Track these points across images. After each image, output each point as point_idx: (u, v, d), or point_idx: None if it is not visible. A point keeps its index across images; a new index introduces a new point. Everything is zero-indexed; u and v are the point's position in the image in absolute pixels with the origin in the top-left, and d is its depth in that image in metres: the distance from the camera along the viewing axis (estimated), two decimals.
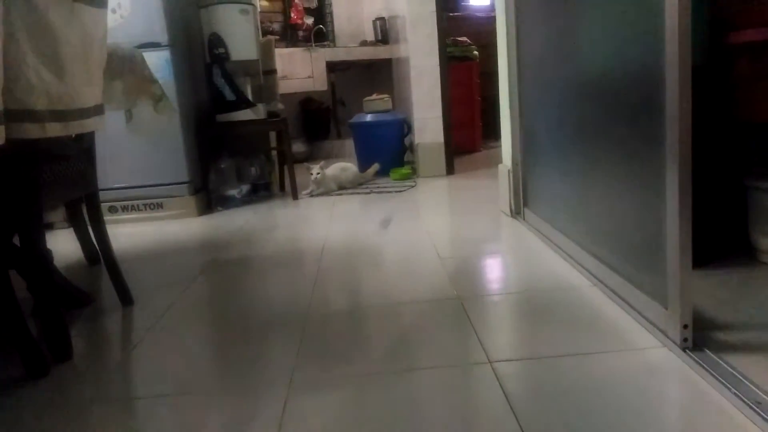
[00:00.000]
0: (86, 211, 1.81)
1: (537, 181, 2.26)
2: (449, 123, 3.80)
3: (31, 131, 1.33)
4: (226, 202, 3.29)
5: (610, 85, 1.50)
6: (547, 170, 2.13)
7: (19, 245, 1.41)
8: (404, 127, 4.02)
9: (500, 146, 2.59)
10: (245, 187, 3.38)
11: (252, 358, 1.36)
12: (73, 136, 1.65)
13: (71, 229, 2.23)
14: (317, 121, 5.44)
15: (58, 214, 2.92)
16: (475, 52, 4.72)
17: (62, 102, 1.43)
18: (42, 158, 1.47)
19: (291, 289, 1.83)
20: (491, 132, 4.64)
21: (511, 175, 2.44)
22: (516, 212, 2.46)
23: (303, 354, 1.35)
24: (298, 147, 4.92)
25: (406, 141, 4.07)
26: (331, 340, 1.43)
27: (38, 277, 1.41)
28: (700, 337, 1.19)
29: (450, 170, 3.83)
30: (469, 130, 4.74)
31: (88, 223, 1.86)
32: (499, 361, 1.23)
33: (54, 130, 1.40)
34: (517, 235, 2.24)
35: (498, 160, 2.62)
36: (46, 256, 1.46)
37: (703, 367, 1.09)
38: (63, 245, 2.49)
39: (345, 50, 5.23)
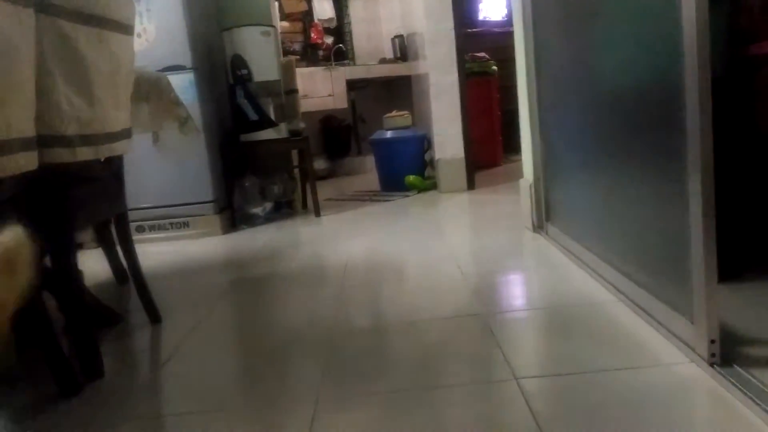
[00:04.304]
0: (115, 231, 1.86)
1: (559, 195, 2.26)
2: (469, 138, 3.81)
3: (63, 156, 1.38)
4: (250, 220, 3.33)
5: (630, 97, 1.50)
6: (568, 184, 2.13)
7: (51, 265, 1.45)
8: (424, 143, 4.04)
9: (521, 160, 2.59)
10: (269, 205, 3.42)
11: (279, 375, 1.37)
12: (103, 159, 1.70)
13: (100, 249, 2.28)
14: (338, 138, 5.50)
15: (87, 235, 2.98)
16: (494, 67, 4.74)
17: (92, 127, 1.48)
18: (73, 181, 1.51)
19: (316, 306, 1.84)
20: (512, 146, 4.64)
21: (532, 189, 2.44)
22: (538, 227, 2.45)
23: (329, 371, 1.36)
24: (319, 164, 4.97)
25: (427, 157, 4.09)
26: (356, 358, 1.44)
27: (70, 296, 1.45)
28: (728, 352, 1.17)
29: (471, 185, 3.84)
30: (490, 144, 4.75)
31: (116, 242, 1.91)
32: (525, 378, 1.22)
33: (84, 154, 1.44)
34: (540, 250, 2.23)
35: (519, 174, 2.62)
36: (77, 276, 1.49)
37: (732, 383, 1.08)
38: (92, 265, 2.54)
39: (364, 68, 5.29)
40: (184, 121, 2.31)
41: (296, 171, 3.87)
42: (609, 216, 1.74)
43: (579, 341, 1.39)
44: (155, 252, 2.86)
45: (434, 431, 1.07)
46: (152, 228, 3.09)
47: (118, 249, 1.89)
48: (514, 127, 2.65)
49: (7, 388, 1.43)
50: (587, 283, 1.78)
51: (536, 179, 2.43)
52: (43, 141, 1.32)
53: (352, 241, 2.73)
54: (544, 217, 2.41)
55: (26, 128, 1.24)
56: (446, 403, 1.17)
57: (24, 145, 1.23)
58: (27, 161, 1.25)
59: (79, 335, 1.45)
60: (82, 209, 1.54)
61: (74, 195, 1.50)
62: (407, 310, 1.73)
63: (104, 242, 2.28)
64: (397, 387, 1.25)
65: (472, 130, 3.84)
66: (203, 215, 3.10)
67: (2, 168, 1.19)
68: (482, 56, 4.73)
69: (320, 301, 1.88)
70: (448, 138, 3.79)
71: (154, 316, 1.81)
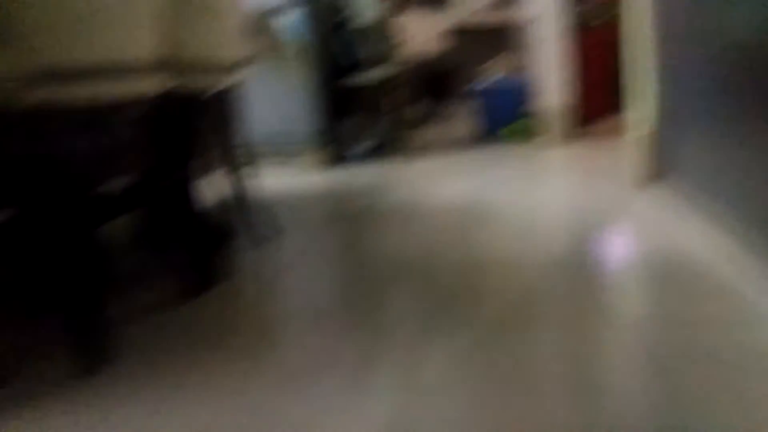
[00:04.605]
0: (229, 157, 1.96)
1: (672, 150, 2.16)
2: (574, 88, 3.68)
3: (184, 82, 1.46)
4: (351, 158, 3.41)
5: (763, 49, 1.40)
6: (684, 139, 2.03)
7: (172, 186, 1.56)
8: (526, 92, 3.94)
9: (630, 114, 2.48)
10: (368, 145, 3.48)
11: (377, 302, 1.43)
12: (220, 87, 1.79)
13: (215, 173, 2.41)
14: (437, 84, 5.45)
15: (204, 159, 3.16)
16: (605, 16, 4.50)
17: (210, 57, 1.56)
18: (194, 107, 1.60)
19: (413, 241, 1.89)
20: (620, 98, 4.44)
21: (642, 143, 2.35)
22: (646, 182, 2.37)
23: (426, 301, 1.40)
24: (417, 109, 4.97)
25: (527, 107, 3.99)
26: (451, 293, 1.47)
27: (189, 214, 1.56)
28: None
29: (573, 137, 3.73)
30: (596, 96, 4.54)
31: (230, 168, 2.02)
32: (626, 323, 1.22)
33: (203, 81, 1.53)
34: (647, 205, 2.16)
35: (626, 128, 2.52)
36: (196, 195, 1.60)
37: None
38: (208, 188, 2.69)
39: (466, 14, 5.17)
40: (290, 57, 2.38)
41: (395, 114, 3.89)
42: (727, 172, 1.65)
43: (684, 294, 1.35)
44: (262, 181, 2.99)
45: (529, 364, 1.09)
46: (259, 158, 3.21)
47: (232, 175, 2.01)
48: (623, 79, 2.54)
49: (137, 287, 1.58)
50: (697, 238, 1.72)
51: (647, 132, 2.33)
52: (167, 67, 1.41)
53: (448, 185, 2.74)
54: (653, 171, 2.32)
55: (150, 55, 1.33)
56: (542, 339, 1.19)
57: (149, 70, 1.32)
58: (152, 85, 1.34)
59: (198, 249, 1.56)
60: (201, 134, 1.64)
61: (194, 120, 1.60)
62: (503, 252, 1.74)
63: (220, 167, 2.43)
64: (492, 320, 1.28)
65: (577, 81, 3.70)
66: (307, 149, 3.21)
67: (129, 90, 1.29)
68: (593, 3, 4.49)
69: (417, 237, 1.92)
70: (551, 88, 3.68)
71: (264, 238, 1.93)
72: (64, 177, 1.14)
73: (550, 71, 3.65)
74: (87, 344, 1.13)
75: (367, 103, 3.64)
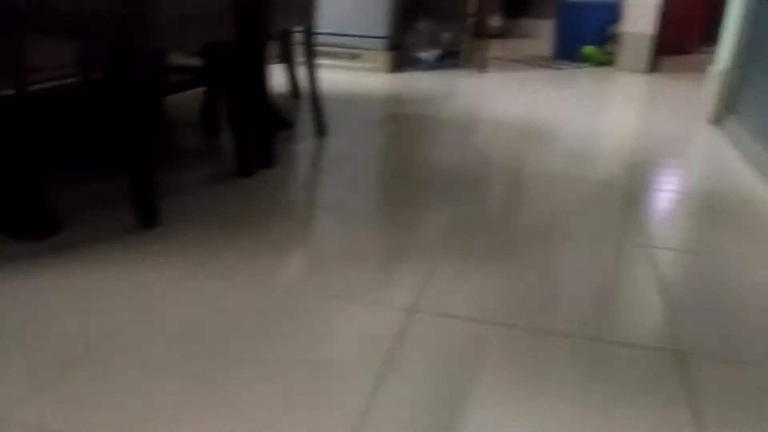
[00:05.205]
0: (303, 42, 1.98)
1: (749, 88, 2.06)
2: (665, 16, 3.46)
3: None
4: (416, 64, 3.38)
5: None
6: (763, 78, 1.93)
7: (241, 66, 1.62)
8: (613, 13, 3.74)
9: (717, 50, 2.35)
10: (436, 52, 3.43)
11: (415, 203, 1.50)
12: None
13: (281, 66, 2.47)
14: None
15: (272, 50, 3.21)
16: None
17: None
18: None
19: (460, 152, 1.92)
20: (711, 35, 4.15)
21: (720, 79, 2.24)
22: (717, 120, 2.28)
23: (462, 208, 1.46)
24: (494, 21, 4.79)
25: (611, 30, 3.80)
26: (491, 201, 1.52)
27: (257, 97, 1.64)
28: None
29: (653, 68, 3.55)
30: (686, 28, 4.27)
31: (297, 60, 2.06)
32: (659, 248, 1.24)
33: None
34: (712, 142, 2.09)
35: (710, 63, 2.40)
36: (265, 80, 1.67)
37: None
38: (271, 78, 2.76)
39: None
40: None
41: (471, 22, 3.78)
42: None
43: (726, 229, 1.36)
44: (325, 78, 3.02)
45: (553, 272, 1.15)
46: (325, 55, 3.23)
47: (297, 66, 2.05)
48: (717, 15, 2.38)
49: (197, 166, 1.70)
50: (752, 180, 1.68)
51: (728, 68, 2.21)
52: None
53: (511, 101, 2.71)
54: (725, 109, 2.22)
55: None
56: (570, 252, 1.23)
57: None
58: None
59: (260, 130, 1.65)
60: (279, 12, 1.67)
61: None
62: (551, 168, 1.75)
63: (286, 59, 2.48)
64: (521, 235, 1.33)
65: (670, 8, 3.48)
66: (374, 50, 3.19)
67: None
68: None
69: (469, 147, 1.95)
70: (641, 10, 3.47)
71: (321, 130, 1.99)
72: (148, 39, 1.21)
73: None
74: (145, 201, 1.24)
75: (446, 6, 3.55)
